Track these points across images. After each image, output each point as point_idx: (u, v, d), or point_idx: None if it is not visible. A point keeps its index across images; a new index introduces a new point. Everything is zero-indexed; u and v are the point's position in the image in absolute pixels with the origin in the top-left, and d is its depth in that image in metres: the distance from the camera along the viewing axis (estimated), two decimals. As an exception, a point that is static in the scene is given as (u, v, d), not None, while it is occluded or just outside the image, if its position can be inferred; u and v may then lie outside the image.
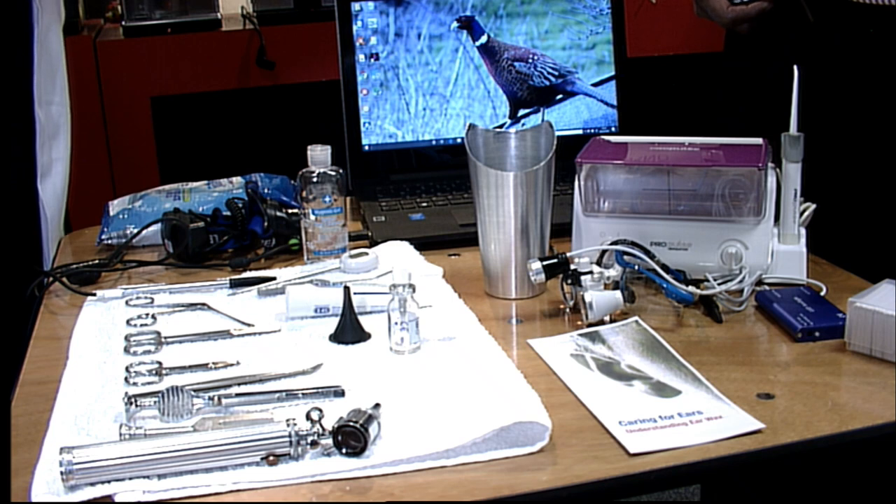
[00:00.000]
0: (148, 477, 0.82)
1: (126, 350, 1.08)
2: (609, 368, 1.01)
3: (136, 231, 1.40)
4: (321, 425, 0.85)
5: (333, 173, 1.29)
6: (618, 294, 1.11)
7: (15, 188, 1.28)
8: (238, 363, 1.04)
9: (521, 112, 1.61)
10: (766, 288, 1.19)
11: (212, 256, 1.36)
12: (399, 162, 1.59)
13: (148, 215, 1.41)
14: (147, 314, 1.17)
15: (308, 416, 0.85)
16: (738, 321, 1.12)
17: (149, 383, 1.00)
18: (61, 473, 0.80)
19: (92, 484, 0.81)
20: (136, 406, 0.93)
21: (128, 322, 1.15)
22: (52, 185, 1.31)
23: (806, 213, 1.23)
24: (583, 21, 1.61)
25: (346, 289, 1.10)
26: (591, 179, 1.23)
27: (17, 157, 1.29)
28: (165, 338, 1.10)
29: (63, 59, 1.29)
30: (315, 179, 1.28)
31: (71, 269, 1.28)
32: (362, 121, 1.58)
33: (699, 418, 0.90)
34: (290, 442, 0.84)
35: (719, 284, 1.15)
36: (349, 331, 1.09)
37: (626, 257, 1.14)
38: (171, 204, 1.43)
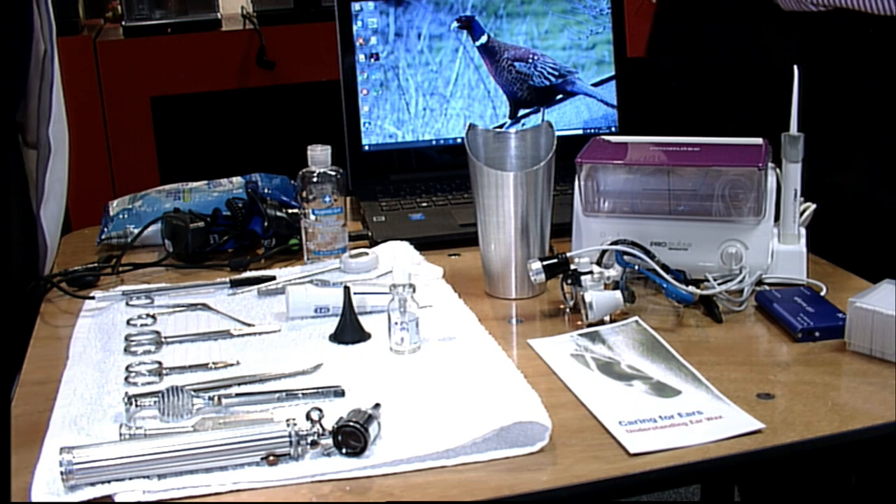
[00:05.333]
0: (148, 477, 0.82)
1: (126, 350, 1.08)
2: (609, 368, 1.01)
3: (136, 233, 1.39)
4: (321, 425, 0.85)
5: (333, 173, 1.29)
6: (618, 294, 1.11)
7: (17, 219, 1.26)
8: (238, 363, 1.04)
9: (521, 112, 1.61)
10: (766, 288, 1.19)
11: (212, 256, 1.36)
12: (399, 162, 1.59)
13: (148, 215, 1.41)
14: (147, 314, 1.17)
15: (308, 416, 0.85)
16: (738, 321, 1.12)
17: (149, 383, 1.00)
18: (61, 473, 0.80)
19: (92, 484, 0.81)
20: (136, 406, 0.93)
21: (128, 322, 1.15)
22: (51, 209, 1.29)
23: (806, 213, 1.23)
24: (583, 21, 1.61)
25: (346, 289, 1.10)
26: (591, 179, 1.23)
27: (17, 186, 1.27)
28: (165, 338, 1.10)
29: (57, 69, 1.27)
30: (315, 179, 1.28)
31: (69, 274, 1.27)
32: (362, 121, 1.58)
33: (699, 418, 0.90)
34: (290, 442, 0.84)
35: (719, 284, 1.15)
36: (349, 331, 1.09)
37: (626, 257, 1.14)
38: (171, 204, 1.43)
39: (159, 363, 1.03)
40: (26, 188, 1.30)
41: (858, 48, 1.38)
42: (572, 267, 1.14)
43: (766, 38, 1.53)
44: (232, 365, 1.04)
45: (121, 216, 1.43)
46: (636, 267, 1.14)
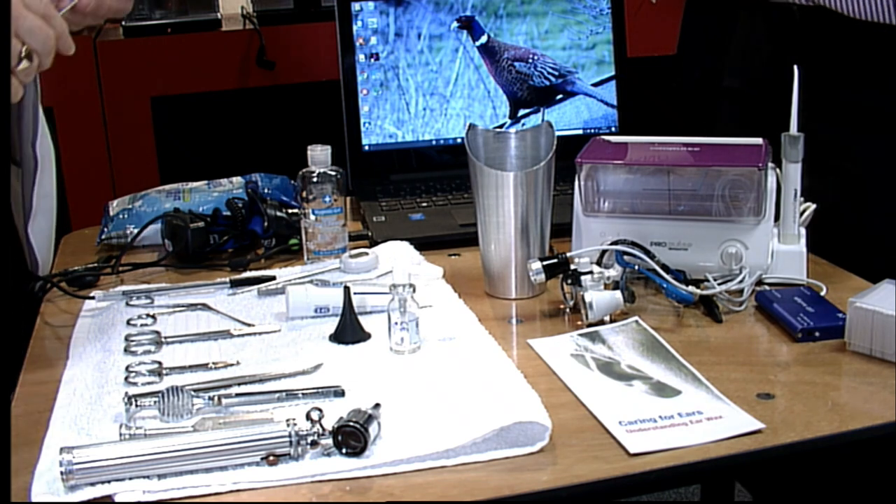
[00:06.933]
0: (148, 477, 0.82)
1: (126, 350, 1.08)
2: (609, 368, 1.01)
3: (136, 233, 1.39)
4: (321, 425, 0.85)
5: (333, 173, 1.29)
6: (618, 294, 1.11)
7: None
8: (238, 363, 1.04)
9: (521, 112, 1.61)
10: (766, 288, 1.19)
11: (212, 256, 1.36)
12: (399, 162, 1.59)
13: (148, 215, 1.41)
14: (147, 314, 1.17)
15: (308, 416, 0.85)
16: (738, 321, 1.12)
17: (149, 383, 1.00)
18: (61, 473, 0.80)
19: (92, 484, 0.81)
20: (136, 406, 0.93)
21: (128, 322, 1.15)
22: (41, 226, 1.28)
23: (806, 213, 1.23)
24: (583, 21, 1.61)
25: (346, 289, 1.10)
26: (591, 179, 1.23)
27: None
28: (165, 338, 1.10)
29: (38, 84, 1.26)
30: (315, 179, 1.28)
31: (69, 274, 1.27)
32: (362, 121, 1.58)
33: (699, 418, 0.90)
34: (290, 442, 0.84)
35: (719, 284, 1.15)
36: (349, 331, 1.09)
37: (626, 257, 1.14)
38: (171, 204, 1.43)
39: (159, 363, 1.03)
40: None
41: (837, 51, 1.38)
42: (572, 267, 1.14)
43: (753, 29, 1.53)
44: (232, 365, 1.04)
45: (121, 216, 1.43)
46: (636, 267, 1.14)
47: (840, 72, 1.39)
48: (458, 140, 1.59)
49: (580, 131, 1.62)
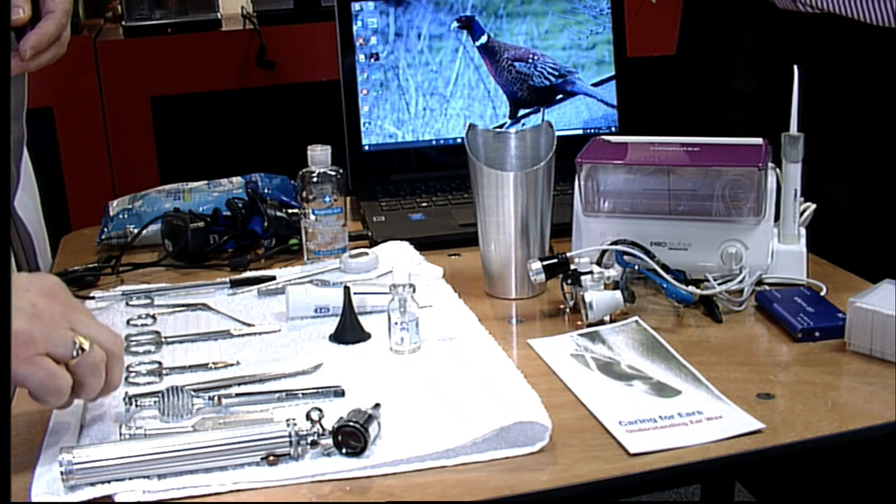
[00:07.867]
0: (148, 477, 0.82)
1: (126, 350, 1.08)
2: (609, 368, 1.01)
3: (136, 232, 1.39)
4: (321, 425, 0.85)
5: (333, 173, 1.29)
6: (618, 294, 1.11)
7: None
8: (238, 363, 1.04)
9: (521, 112, 1.61)
10: (766, 288, 1.19)
11: (212, 256, 1.36)
12: (399, 162, 1.59)
13: (148, 215, 1.41)
14: (147, 314, 1.17)
15: (308, 416, 0.85)
16: (738, 321, 1.12)
17: (149, 383, 1.00)
18: (61, 473, 0.80)
19: (92, 484, 0.81)
20: (136, 406, 0.93)
21: (128, 322, 1.15)
22: (26, 204, 1.27)
23: (806, 213, 1.23)
24: (583, 21, 1.61)
25: (346, 289, 1.10)
26: (591, 179, 1.23)
27: None
28: (165, 338, 1.10)
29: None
30: (315, 179, 1.28)
31: (69, 274, 1.27)
32: (362, 121, 1.58)
33: (699, 418, 0.90)
34: (290, 442, 0.84)
35: (719, 284, 1.15)
36: (349, 331, 1.09)
37: (626, 257, 1.14)
38: (171, 204, 1.43)
39: (159, 363, 1.03)
40: None
41: (847, 55, 1.38)
42: (572, 267, 1.14)
43: (763, 32, 1.53)
44: (232, 365, 1.04)
45: (121, 216, 1.43)
46: (636, 267, 1.14)
47: (845, 73, 1.39)
48: (458, 140, 1.59)
49: (580, 131, 1.62)
